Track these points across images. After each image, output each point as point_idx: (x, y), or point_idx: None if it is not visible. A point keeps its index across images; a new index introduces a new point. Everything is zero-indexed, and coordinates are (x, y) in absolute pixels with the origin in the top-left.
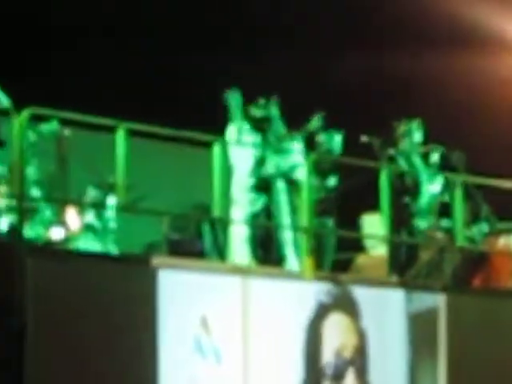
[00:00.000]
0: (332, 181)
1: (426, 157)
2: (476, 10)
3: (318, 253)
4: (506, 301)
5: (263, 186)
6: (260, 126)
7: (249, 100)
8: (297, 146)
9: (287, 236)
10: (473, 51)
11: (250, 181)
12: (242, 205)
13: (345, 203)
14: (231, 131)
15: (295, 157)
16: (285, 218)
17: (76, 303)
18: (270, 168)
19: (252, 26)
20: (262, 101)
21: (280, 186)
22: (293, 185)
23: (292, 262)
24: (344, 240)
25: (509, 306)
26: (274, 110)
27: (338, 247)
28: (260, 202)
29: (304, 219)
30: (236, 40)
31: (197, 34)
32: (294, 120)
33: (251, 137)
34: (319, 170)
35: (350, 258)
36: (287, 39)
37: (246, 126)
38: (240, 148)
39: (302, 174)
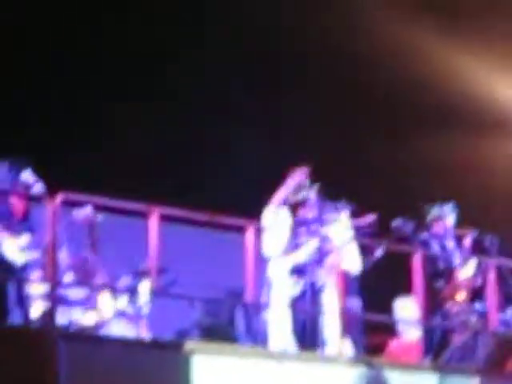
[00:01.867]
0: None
1: (459, 240)
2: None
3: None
4: None
5: (301, 269)
6: (296, 209)
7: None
8: (334, 229)
9: (325, 319)
10: (505, 135)
11: (287, 265)
12: (279, 289)
13: (377, 285)
14: (267, 215)
15: (331, 240)
16: (322, 302)
17: None
18: (306, 252)
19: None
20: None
21: (316, 269)
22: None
23: (330, 345)
24: (378, 324)
25: None
26: (312, 194)
27: (372, 331)
28: (298, 286)
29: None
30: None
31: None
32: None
33: (287, 221)
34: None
35: (383, 342)
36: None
37: (282, 210)
38: (276, 232)
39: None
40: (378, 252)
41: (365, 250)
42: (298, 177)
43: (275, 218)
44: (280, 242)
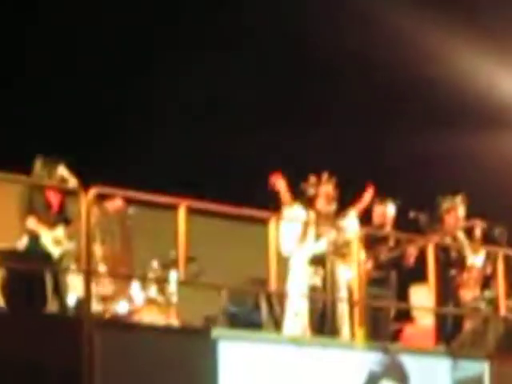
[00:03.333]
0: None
1: (469, 231)
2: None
3: (373, 323)
4: None
5: (319, 260)
6: (312, 203)
7: (300, 177)
8: (350, 222)
9: (342, 308)
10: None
11: (306, 256)
12: (299, 279)
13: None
14: (286, 209)
15: (348, 232)
16: (340, 290)
17: (141, 374)
18: (323, 243)
19: (301, 103)
20: (313, 178)
21: (333, 260)
22: (345, 259)
23: (346, 332)
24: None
25: None
26: (327, 188)
27: (389, 317)
28: (317, 276)
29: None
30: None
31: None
32: (347, 194)
33: (305, 214)
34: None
35: (399, 328)
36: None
37: (299, 205)
38: (294, 225)
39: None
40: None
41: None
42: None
43: (293, 212)
44: (298, 235)
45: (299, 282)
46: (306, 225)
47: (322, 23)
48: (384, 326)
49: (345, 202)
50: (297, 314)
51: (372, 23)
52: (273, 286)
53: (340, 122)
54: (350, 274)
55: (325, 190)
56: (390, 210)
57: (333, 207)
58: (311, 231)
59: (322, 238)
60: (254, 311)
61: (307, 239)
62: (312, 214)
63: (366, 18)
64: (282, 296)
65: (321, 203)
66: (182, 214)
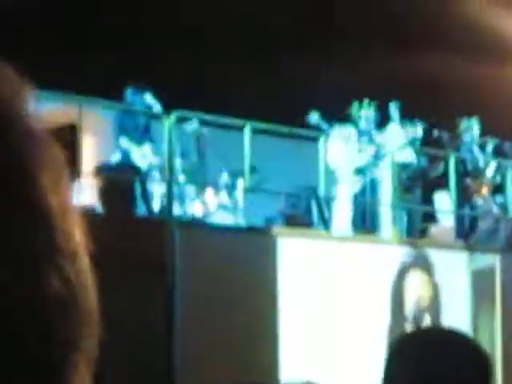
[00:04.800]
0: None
1: (483, 146)
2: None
3: (407, 222)
4: None
5: (362, 170)
6: (357, 122)
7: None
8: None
9: (383, 210)
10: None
11: (351, 167)
12: (346, 185)
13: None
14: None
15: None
16: (382, 194)
17: (214, 267)
18: (366, 156)
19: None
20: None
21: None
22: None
23: (385, 231)
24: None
25: None
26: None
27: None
28: (359, 183)
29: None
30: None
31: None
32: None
33: (351, 131)
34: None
35: (426, 227)
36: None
37: (348, 124)
38: (342, 142)
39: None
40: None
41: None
42: None
43: (340, 131)
44: (345, 151)
45: (346, 189)
46: (350, 141)
47: None
48: (413, 225)
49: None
50: (345, 216)
51: None
52: (322, 191)
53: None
54: (385, 182)
55: (365, 112)
56: (475, 129)
57: (372, 125)
58: (354, 146)
59: (362, 153)
60: (307, 213)
61: (351, 154)
62: (354, 132)
63: None
64: (329, 200)
65: (363, 123)
66: (247, 132)
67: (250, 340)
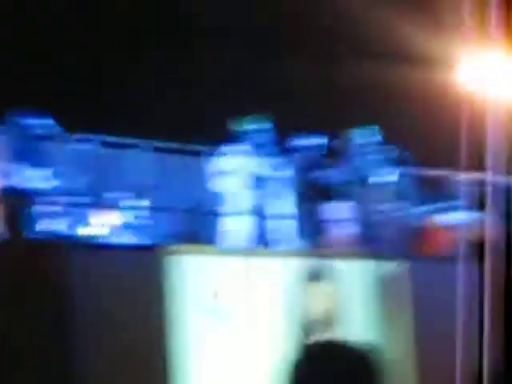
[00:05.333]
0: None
1: (381, 155)
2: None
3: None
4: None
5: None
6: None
7: None
8: None
9: (282, 222)
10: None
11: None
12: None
13: None
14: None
15: None
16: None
17: (105, 287)
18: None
19: None
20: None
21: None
22: None
23: (286, 243)
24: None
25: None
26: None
27: None
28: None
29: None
30: None
31: None
32: None
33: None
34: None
35: (327, 237)
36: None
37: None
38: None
39: None
40: None
41: None
42: None
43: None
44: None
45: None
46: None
47: None
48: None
49: None
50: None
51: None
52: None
53: None
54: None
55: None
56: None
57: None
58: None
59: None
60: (204, 229)
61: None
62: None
63: None
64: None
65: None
66: (146, 151)
67: (137, 360)
